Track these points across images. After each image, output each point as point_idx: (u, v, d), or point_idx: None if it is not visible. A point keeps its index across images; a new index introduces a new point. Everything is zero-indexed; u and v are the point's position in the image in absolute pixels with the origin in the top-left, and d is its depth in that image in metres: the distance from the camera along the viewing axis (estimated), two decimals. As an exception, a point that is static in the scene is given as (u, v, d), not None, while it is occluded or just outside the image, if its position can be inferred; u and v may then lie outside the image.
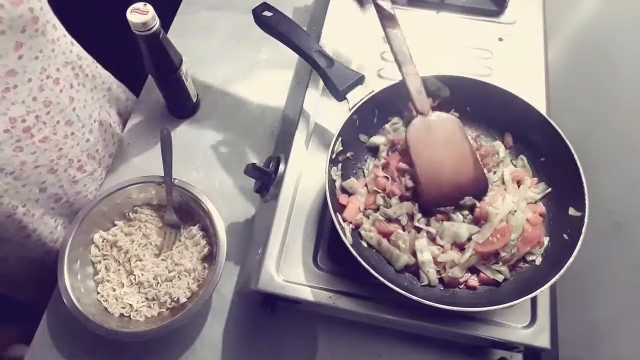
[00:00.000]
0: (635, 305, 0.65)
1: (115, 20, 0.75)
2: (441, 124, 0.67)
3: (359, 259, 0.56)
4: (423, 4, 0.89)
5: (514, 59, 0.83)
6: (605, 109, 0.81)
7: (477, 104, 0.71)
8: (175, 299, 0.72)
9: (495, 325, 0.61)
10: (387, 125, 0.73)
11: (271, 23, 0.72)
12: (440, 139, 0.66)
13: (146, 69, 0.80)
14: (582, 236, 0.58)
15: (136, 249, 0.76)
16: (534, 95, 0.72)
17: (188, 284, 0.73)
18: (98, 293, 0.74)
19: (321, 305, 0.63)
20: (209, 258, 0.76)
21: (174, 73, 0.79)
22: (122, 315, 0.72)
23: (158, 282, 0.73)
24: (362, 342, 0.72)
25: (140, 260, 0.76)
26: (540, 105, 0.73)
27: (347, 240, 0.59)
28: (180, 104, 0.90)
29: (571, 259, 0.56)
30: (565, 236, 0.62)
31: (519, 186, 0.67)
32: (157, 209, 0.81)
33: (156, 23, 0.70)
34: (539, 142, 0.69)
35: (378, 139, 0.72)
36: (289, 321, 0.73)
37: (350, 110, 0.67)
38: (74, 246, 0.73)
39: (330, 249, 0.67)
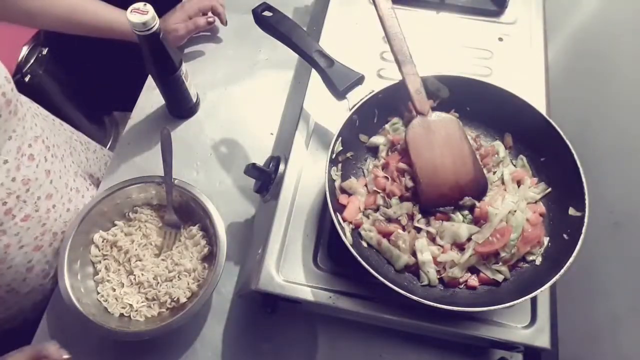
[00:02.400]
0: (635, 305, 0.65)
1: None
2: (441, 124, 0.67)
3: (359, 259, 0.56)
4: (423, 4, 0.89)
5: (514, 59, 0.83)
6: (605, 108, 0.81)
7: (477, 104, 0.71)
8: (175, 299, 0.72)
9: (495, 325, 0.61)
10: (387, 126, 0.73)
11: (271, 23, 0.72)
12: (440, 139, 0.66)
13: (146, 69, 0.80)
14: (582, 236, 0.58)
15: (136, 249, 0.76)
16: (534, 95, 0.72)
17: (188, 284, 0.73)
18: (98, 293, 0.74)
19: (321, 305, 0.63)
20: (209, 258, 0.76)
21: (174, 73, 0.79)
22: (122, 315, 0.72)
23: (158, 282, 0.74)
24: (362, 342, 0.72)
25: (140, 260, 0.76)
26: (540, 105, 0.73)
27: (347, 240, 0.59)
28: (180, 104, 0.90)
29: (571, 259, 0.56)
30: (565, 236, 0.62)
31: (519, 186, 0.67)
32: (157, 209, 0.81)
33: (156, 23, 0.70)
34: (539, 142, 0.69)
35: (378, 139, 0.72)
36: (289, 321, 0.73)
37: (350, 110, 0.67)
38: (74, 246, 0.73)
39: (330, 249, 0.67)
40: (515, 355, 0.67)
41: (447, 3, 0.89)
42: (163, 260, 0.76)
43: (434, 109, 0.68)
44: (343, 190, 0.68)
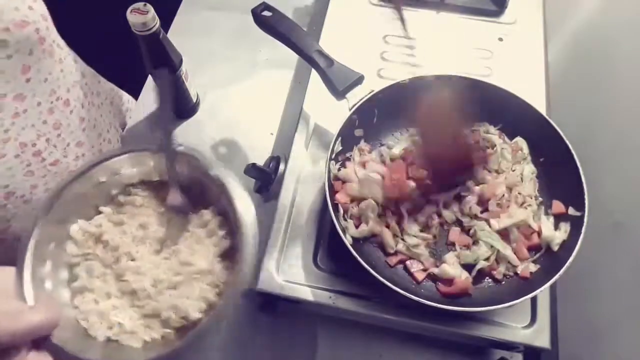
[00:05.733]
0: (635, 305, 0.65)
1: (115, 21, 0.76)
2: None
3: (359, 259, 0.56)
4: (423, 4, 0.89)
5: (514, 59, 0.83)
6: (605, 108, 0.81)
7: (477, 103, 0.71)
8: (183, 315, 0.51)
9: (495, 325, 0.61)
10: (406, 135, 0.74)
11: (271, 23, 0.72)
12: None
13: (146, 69, 0.80)
14: (581, 236, 0.58)
15: (129, 245, 0.56)
16: (534, 95, 0.72)
17: (202, 291, 0.53)
18: (75, 307, 0.52)
19: (321, 305, 0.63)
20: (231, 254, 0.55)
21: (174, 73, 0.79)
22: (108, 339, 0.51)
23: (159, 291, 0.53)
24: (362, 342, 0.72)
25: (133, 260, 0.55)
26: (540, 105, 0.73)
27: (347, 240, 0.59)
28: (180, 104, 0.90)
29: (571, 259, 0.56)
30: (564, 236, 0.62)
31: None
32: (156, 189, 0.60)
33: (156, 23, 0.70)
34: (538, 142, 0.69)
35: (398, 149, 0.72)
36: (289, 321, 0.73)
37: (350, 110, 0.67)
38: (43, 242, 0.52)
39: (330, 249, 0.67)
40: (515, 355, 0.67)
41: (447, 3, 0.89)
42: (166, 258, 0.55)
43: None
44: (337, 178, 0.68)
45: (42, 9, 0.59)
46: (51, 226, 0.53)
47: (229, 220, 0.56)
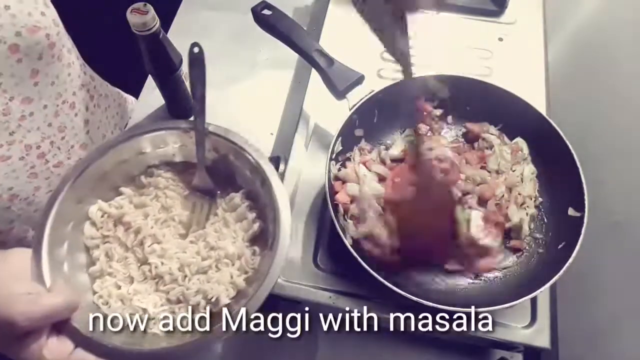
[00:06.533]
0: (635, 305, 0.65)
1: (115, 21, 0.76)
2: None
3: (359, 259, 0.56)
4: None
5: (514, 59, 0.83)
6: (605, 108, 0.81)
7: (477, 104, 0.71)
8: (212, 300, 0.49)
9: (495, 325, 0.61)
10: (402, 136, 0.73)
11: (271, 22, 0.72)
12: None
13: (146, 69, 0.80)
14: (581, 236, 0.58)
15: (152, 227, 0.54)
16: (534, 95, 0.72)
17: (232, 276, 0.51)
18: (95, 293, 0.51)
19: (321, 305, 0.63)
20: (261, 239, 0.54)
21: (174, 73, 0.79)
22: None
23: (186, 276, 0.51)
24: (363, 342, 0.72)
25: (158, 243, 0.53)
26: (540, 105, 0.73)
27: (347, 240, 0.59)
28: (180, 104, 0.90)
29: (571, 259, 0.56)
30: (564, 236, 0.62)
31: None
32: (180, 171, 0.58)
33: (156, 23, 0.70)
34: (538, 142, 0.69)
35: (397, 149, 0.71)
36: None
37: (350, 110, 0.67)
38: (60, 221, 0.49)
39: (330, 249, 0.67)
40: (515, 355, 0.67)
41: (447, 3, 0.89)
42: (192, 242, 0.53)
43: (434, 107, 0.69)
44: (337, 178, 0.68)
45: (54, 15, 0.60)
46: (68, 205, 0.50)
47: (259, 204, 0.54)
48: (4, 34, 0.52)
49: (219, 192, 0.57)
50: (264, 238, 0.53)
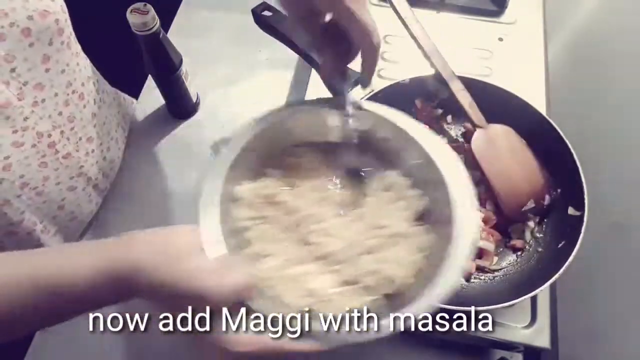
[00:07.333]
0: (636, 305, 0.65)
1: (115, 21, 0.76)
2: (502, 135, 0.67)
3: (359, 258, 0.56)
4: (423, 3, 0.89)
5: (514, 59, 0.83)
6: (605, 108, 0.81)
7: (477, 104, 0.71)
8: (389, 279, 0.45)
9: (495, 325, 0.61)
10: None
11: (271, 22, 0.72)
12: (505, 150, 0.66)
13: (146, 69, 0.80)
14: (581, 236, 0.58)
15: (310, 206, 0.48)
16: (534, 95, 0.72)
17: (410, 256, 0.46)
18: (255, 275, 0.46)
19: (321, 305, 0.63)
20: (426, 217, 0.49)
21: (174, 73, 0.79)
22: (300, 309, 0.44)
23: (355, 255, 0.46)
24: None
25: (321, 222, 0.47)
26: (540, 105, 0.73)
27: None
28: (180, 104, 0.90)
29: (570, 259, 0.56)
30: (564, 236, 0.62)
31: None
32: (325, 151, 0.53)
33: (156, 23, 0.70)
34: (538, 142, 0.69)
35: None
36: (289, 321, 0.73)
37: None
38: (223, 199, 0.46)
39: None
40: (515, 355, 0.67)
41: (447, 3, 0.89)
42: (352, 221, 0.48)
43: (434, 108, 0.68)
44: None
45: (61, 1, 0.60)
46: (226, 182, 0.46)
47: (419, 180, 0.49)
48: (17, 17, 0.53)
49: (369, 170, 0.52)
50: (432, 214, 0.48)
